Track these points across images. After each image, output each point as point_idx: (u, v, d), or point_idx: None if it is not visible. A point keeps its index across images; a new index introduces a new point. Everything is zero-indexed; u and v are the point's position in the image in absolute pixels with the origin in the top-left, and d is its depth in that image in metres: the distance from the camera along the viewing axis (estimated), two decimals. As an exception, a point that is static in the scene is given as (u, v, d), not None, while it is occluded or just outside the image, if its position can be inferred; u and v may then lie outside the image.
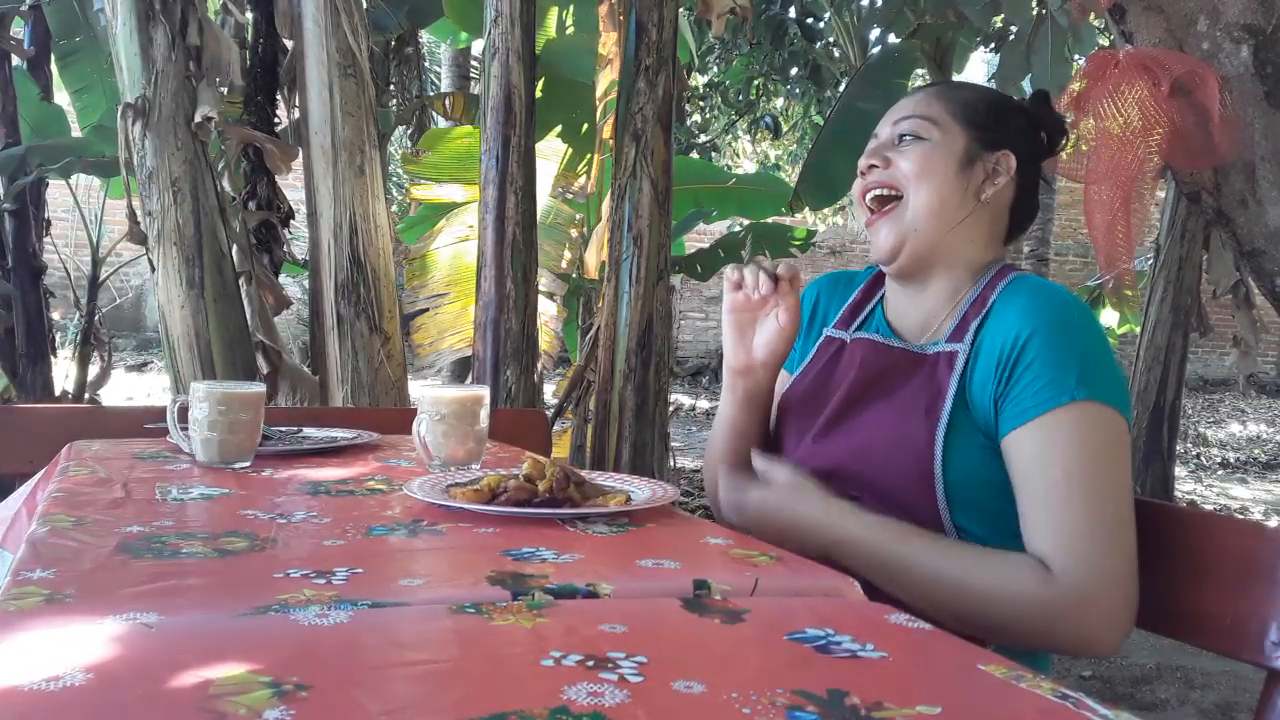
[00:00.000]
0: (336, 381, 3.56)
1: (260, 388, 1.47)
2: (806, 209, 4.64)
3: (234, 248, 3.74)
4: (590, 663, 0.66)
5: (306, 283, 3.86)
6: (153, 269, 3.37)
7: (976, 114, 1.35)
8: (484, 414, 1.43)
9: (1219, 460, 8.59)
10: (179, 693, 0.60)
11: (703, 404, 10.31)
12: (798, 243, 4.71)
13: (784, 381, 1.49)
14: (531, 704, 0.59)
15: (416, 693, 0.62)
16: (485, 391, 1.43)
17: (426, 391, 1.41)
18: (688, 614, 0.80)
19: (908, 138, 1.34)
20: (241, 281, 3.80)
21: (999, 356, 1.21)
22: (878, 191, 1.35)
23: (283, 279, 4.08)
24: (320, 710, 0.58)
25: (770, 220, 5.21)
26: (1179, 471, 6.94)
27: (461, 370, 5.01)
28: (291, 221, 4.21)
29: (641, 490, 1.23)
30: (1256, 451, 9.04)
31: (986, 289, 1.31)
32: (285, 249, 4.05)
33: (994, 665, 0.71)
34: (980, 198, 1.33)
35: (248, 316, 3.76)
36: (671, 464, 3.60)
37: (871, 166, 1.35)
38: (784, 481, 1.25)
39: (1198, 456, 8.44)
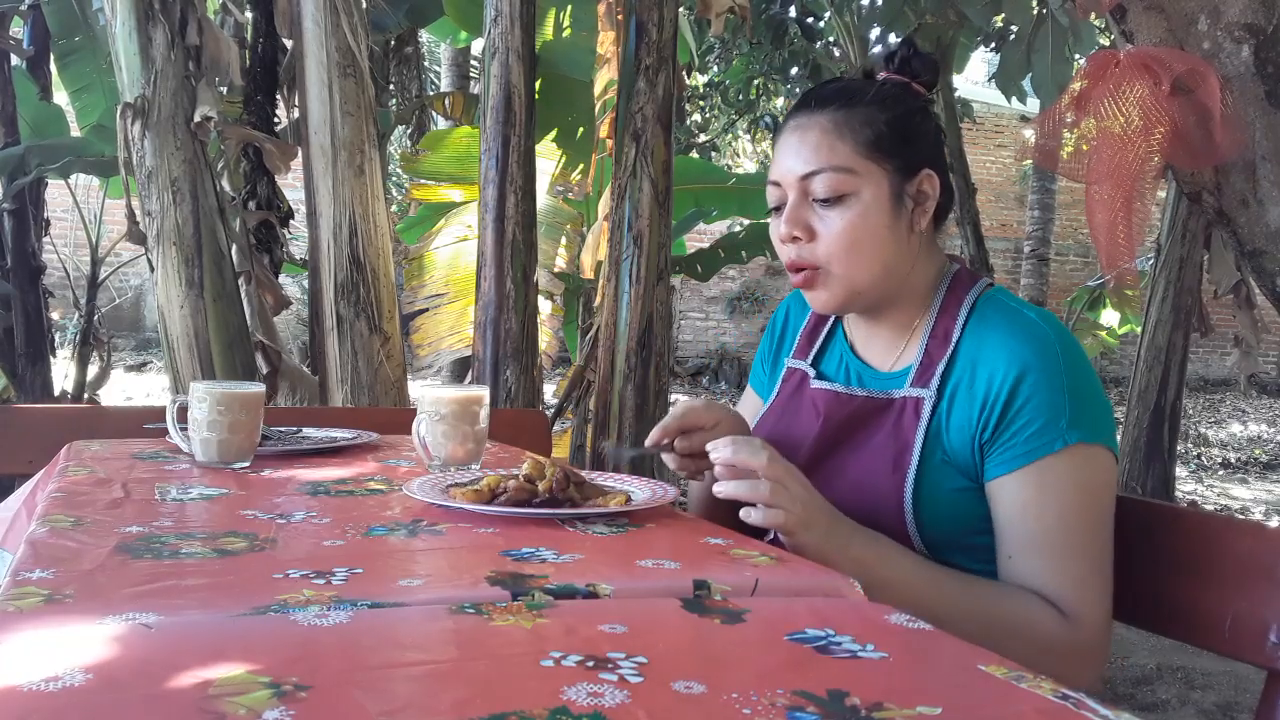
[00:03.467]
0: (336, 381, 3.56)
1: (260, 388, 1.47)
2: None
3: (234, 248, 3.74)
4: (590, 663, 0.66)
5: (306, 283, 3.86)
6: (152, 269, 3.37)
7: (885, 142, 1.22)
8: (484, 414, 1.42)
9: (1220, 460, 8.59)
10: (178, 693, 0.59)
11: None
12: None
13: (757, 408, 1.45)
14: (531, 704, 0.59)
15: (416, 693, 0.62)
16: (485, 391, 1.43)
17: (426, 391, 1.41)
18: (687, 614, 0.80)
19: (824, 194, 1.21)
20: (241, 281, 3.80)
21: (984, 400, 1.17)
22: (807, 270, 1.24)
23: (282, 279, 4.09)
24: (320, 710, 0.58)
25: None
26: (1180, 472, 6.94)
27: (461, 370, 5.01)
28: (291, 221, 4.22)
29: (641, 490, 1.22)
30: (1257, 452, 9.04)
31: (946, 314, 1.24)
32: (285, 249, 4.05)
33: (994, 666, 0.71)
34: (914, 230, 1.25)
35: (247, 316, 3.77)
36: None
37: (794, 238, 1.23)
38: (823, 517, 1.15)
39: (1199, 456, 8.44)
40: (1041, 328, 1.18)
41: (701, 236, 9.75)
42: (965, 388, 1.19)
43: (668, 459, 1.27)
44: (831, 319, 1.40)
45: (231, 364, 3.53)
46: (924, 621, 0.80)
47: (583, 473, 1.28)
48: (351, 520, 1.09)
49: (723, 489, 1.12)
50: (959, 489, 1.20)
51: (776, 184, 1.26)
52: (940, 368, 1.22)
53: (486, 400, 1.43)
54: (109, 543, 0.95)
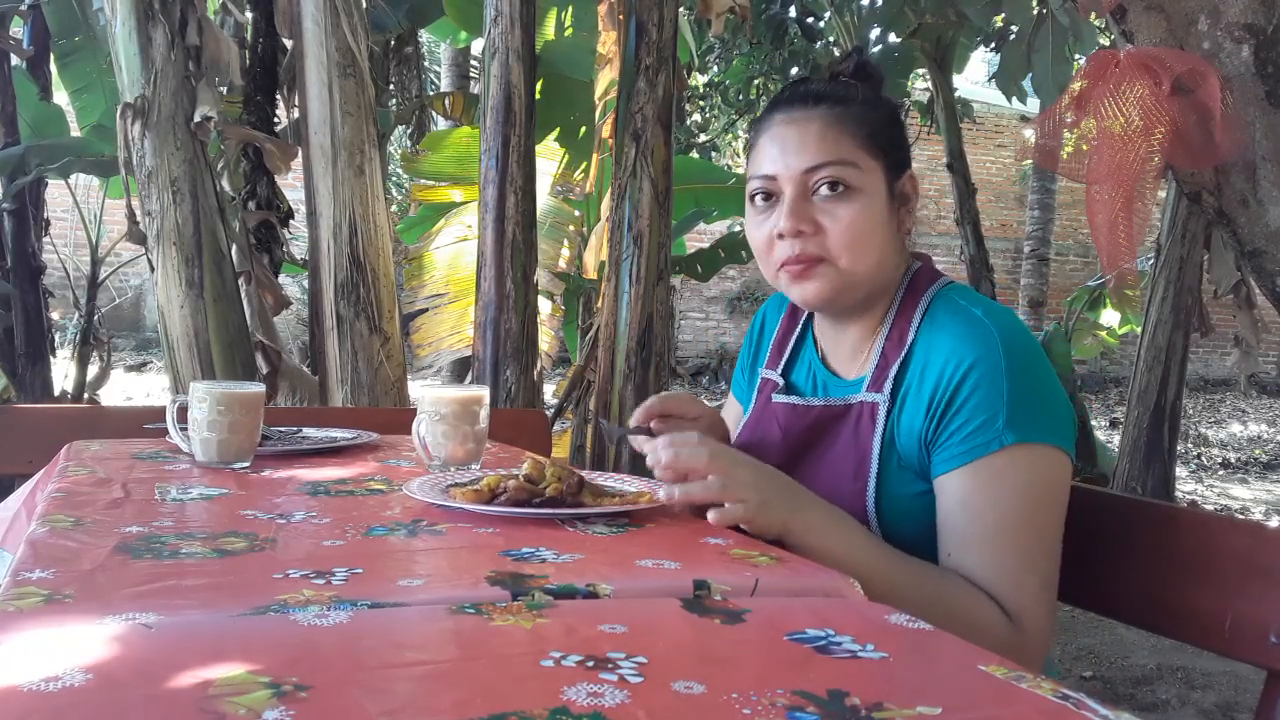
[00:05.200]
0: (336, 381, 3.56)
1: (260, 388, 1.47)
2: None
3: (234, 248, 3.73)
4: (590, 663, 0.66)
5: (306, 283, 3.86)
6: (152, 269, 3.37)
7: (879, 139, 1.23)
8: (484, 414, 1.42)
9: (1220, 460, 8.59)
10: (178, 693, 0.59)
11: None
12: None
13: (738, 415, 1.46)
14: (531, 705, 0.59)
15: (416, 693, 0.62)
16: (485, 391, 1.43)
17: (426, 391, 1.41)
18: (688, 614, 0.80)
19: (829, 188, 1.21)
20: (241, 281, 3.80)
21: (929, 401, 1.17)
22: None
23: (282, 279, 4.09)
24: (320, 711, 0.58)
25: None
26: (1180, 472, 6.94)
27: (461, 370, 5.01)
28: (291, 221, 4.22)
29: (641, 491, 1.22)
30: (1257, 452, 9.04)
31: (902, 314, 1.25)
32: (285, 249, 4.05)
33: (994, 666, 0.71)
34: (902, 229, 1.27)
35: (247, 317, 3.77)
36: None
37: (799, 232, 1.21)
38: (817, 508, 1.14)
39: (1199, 456, 8.44)
40: (987, 327, 1.17)
41: (702, 237, 9.76)
42: (914, 390, 1.20)
43: (644, 444, 1.20)
44: (801, 327, 1.40)
45: (231, 364, 3.53)
46: (923, 621, 0.80)
47: (583, 473, 1.28)
48: (351, 520, 1.09)
49: (675, 498, 1.10)
50: (918, 493, 1.20)
51: (770, 178, 1.24)
52: (894, 371, 1.22)
53: (486, 400, 1.43)
54: (109, 543, 0.95)
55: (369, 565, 0.90)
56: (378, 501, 1.21)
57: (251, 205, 3.96)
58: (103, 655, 0.65)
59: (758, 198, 1.26)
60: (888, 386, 1.21)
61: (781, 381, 1.36)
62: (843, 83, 1.27)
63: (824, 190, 1.21)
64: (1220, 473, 8.16)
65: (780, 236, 1.23)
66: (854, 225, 1.20)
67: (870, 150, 1.22)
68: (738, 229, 5.31)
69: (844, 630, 0.77)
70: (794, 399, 1.31)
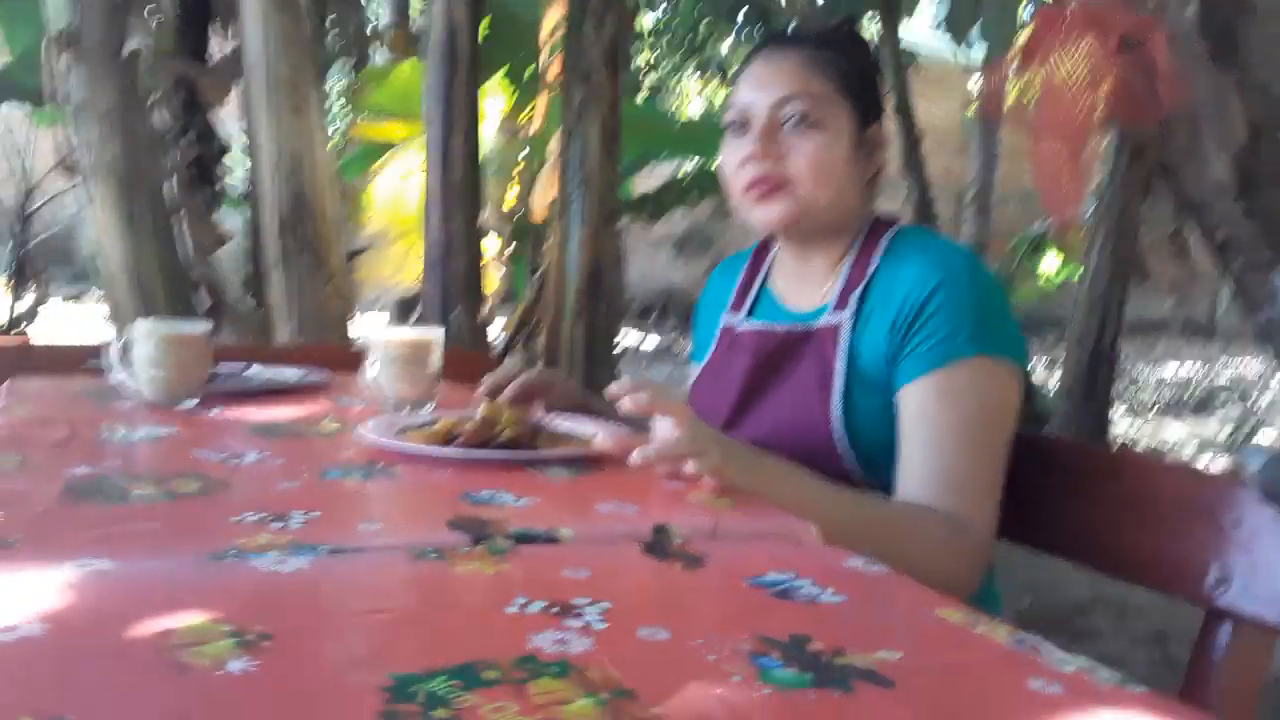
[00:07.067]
0: (282, 317, 3.51)
1: (205, 325, 1.44)
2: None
3: (170, 182, 3.65)
4: (555, 609, 0.66)
5: (248, 216, 3.78)
6: (90, 200, 3.28)
7: (852, 85, 1.31)
8: (436, 356, 1.41)
9: (1153, 400, 8.82)
10: (139, 643, 0.59)
11: (650, 341, 10.34)
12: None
13: (693, 374, 1.51)
14: (498, 653, 0.59)
15: (381, 642, 0.61)
16: (438, 333, 1.42)
17: (377, 333, 1.40)
18: (648, 559, 0.80)
19: (795, 121, 1.28)
20: (178, 216, 3.71)
21: (895, 317, 1.23)
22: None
23: (223, 212, 4.00)
24: (284, 661, 0.57)
25: (717, 164, 5.17)
26: (1114, 413, 7.10)
27: (404, 309, 4.95)
28: (227, 155, 4.12)
29: (597, 433, 1.22)
30: (1189, 392, 9.28)
31: (865, 250, 1.32)
32: (222, 183, 3.96)
33: (949, 610, 0.72)
34: (864, 175, 1.33)
35: (186, 251, 3.69)
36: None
37: (765, 156, 1.28)
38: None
39: (1133, 397, 8.63)
40: (952, 252, 1.26)
41: (650, 179, 9.70)
42: (879, 311, 1.26)
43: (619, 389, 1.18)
44: (761, 276, 1.45)
45: (172, 298, 3.47)
46: (880, 564, 0.82)
47: (538, 415, 1.28)
48: (305, 463, 1.08)
49: (650, 458, 1.04)
50: (881, 406, 1.25)
51: (745, 106, 1.31)
52: (856, 294, 1.28)
53: (439, 341, 1.42)
54: (56, 485, 0.93)
55: (326, 509, 0.89)
56: (330, 443, 1.20)
57: (186, 138, 3.85)
58: (58, 604, 0.63)
59: (732, 126, 1.33)
60: (850, 308, 1.28)
61: (746, 319, 1.41)
62: (828, 30, 1.36)
63: (792, 121, 1.28)
64: (1153, 412, 8.38)
65: (749, 160, 1.29)
66: (814, 156, 1.27)
67: (842, 92, 1.30)
68: (687, 172, 5.28)
69: (804, 574, 0.77)
70: (761, 324, 1.37)
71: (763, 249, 1.48)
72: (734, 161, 1.32)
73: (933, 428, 1.19)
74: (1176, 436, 7.27)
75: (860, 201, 1.34)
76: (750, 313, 1.42)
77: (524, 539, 0.82)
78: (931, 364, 1.20)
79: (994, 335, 1.21)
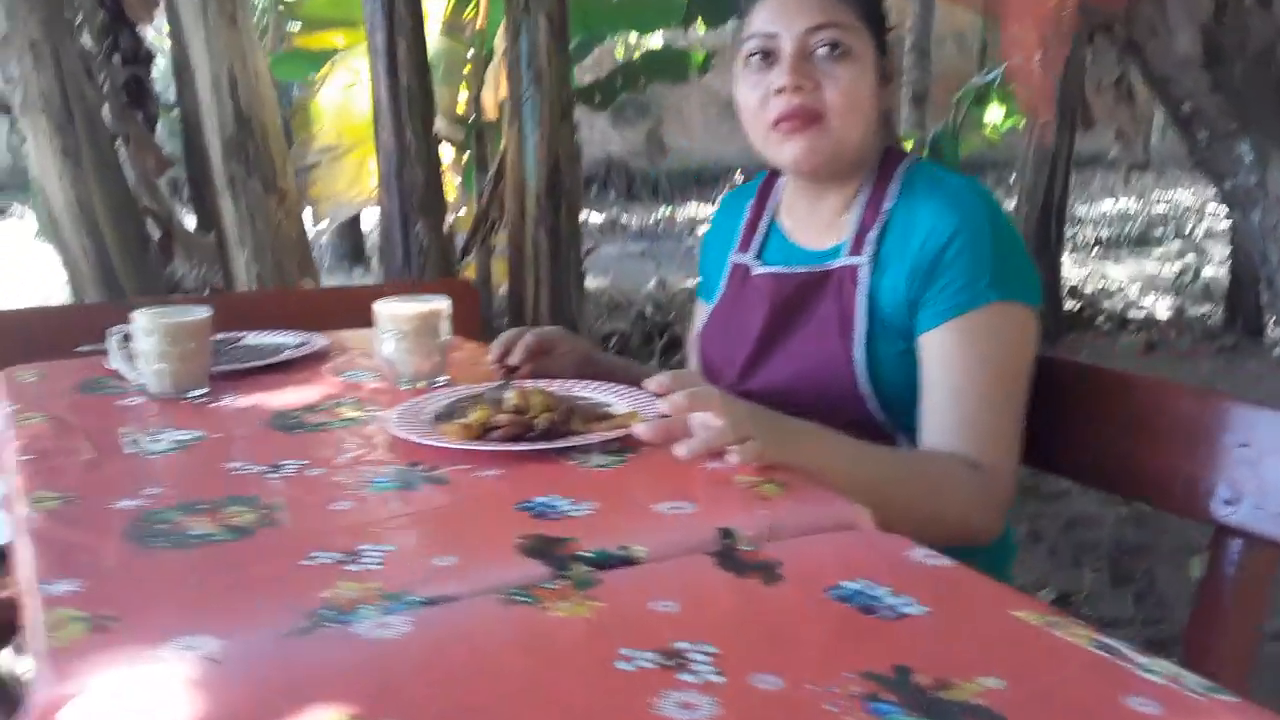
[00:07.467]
0: (235, 244, 3.44)
1: (207, 311, 1.42)
2: (701, 25, 4.51)
3: (105, 109, 3.51)
4: (666, 661, 0.68)
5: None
6: (24, 139, 3.16)
7: (873, 14, 1.28)
8: (446, 325, 1.40)
9: (1094, 239, 8.97)
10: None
11: (595, 217, 10.26)
12: (695, 68, 4.60)
13: (702, 314, 1.49)
14: (631, 728, 0.61)
15: (510, 714, 0.63)
16: (446, 303, 1.41)
17: (384, 309, 1.38)
18: (724, 574, 0.82)
19: (829, 49, 1.23)
20: (119, 145, 3.58)
21: (914, 262, 1.23)
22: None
23: (162, 134, 3.86)
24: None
25: (663, 47, 5.06)
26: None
27: (352, 226, 4.83)
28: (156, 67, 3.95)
29: (627, 404, 1.23)
30: (1128, 228, 9.44)
31: (878, 187, 1.30)
32: (157, 104, 3.81)
33: (1025, 611, 0.76)
34: (883, 112, 1.32)
35: (130, 182, 3.57)
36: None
37: (798, 88, 1.23)
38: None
39: (1073, 237, 8.76)
40: (969, 194, 1.25)
41: (596, 67, 9.45)
42: (897, 253, 1.25)
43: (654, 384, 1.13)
44: (769, 213, 1.43)
45: (121, 233, 3.37)
46: (943, 559, 0.85)
47: (560, 384, 1.29)
48: (343, 469, 1.08)
49: (696, 450, 1.04)
50: (901, 351, 1.26)
51: (770, 35, 1.25)
52: (872, 235, 1.27)
53: (448, 309, 1.41)
54: (113, 528, 0.93)
55: (392, 540, 0.90)
56: (359, 437, 1.20)
57: (116, 59, 3.69)
58: (187, 706, 0.64)
59: (755, 58, 1.27)
60: (868, 250, 1.27)
61: (757, 262, 1.39)
62: None
63: (823, 51, 1.24)
64: (1095, 251, 8.53)
65: (779, 92, 1.24)
66: (851, 87, 1.25)
67: (866, 20, 1.26)
68: (634, 57, 5.14)
69: (877, 579, 0.80)
70: (777, 268, 1.35)
71: (768, 183, 1.46)
72: (758, 95, 1.27)
73: (956, 375, 1.21)
74: (1120, 276, 7.42)
75: (877, 136, 1.32)
76: (761, 251, 1.41)
77: (601, 563, 0.84)
78: (952, 311, 1.21)
79: (1012, 279, 1.22)
